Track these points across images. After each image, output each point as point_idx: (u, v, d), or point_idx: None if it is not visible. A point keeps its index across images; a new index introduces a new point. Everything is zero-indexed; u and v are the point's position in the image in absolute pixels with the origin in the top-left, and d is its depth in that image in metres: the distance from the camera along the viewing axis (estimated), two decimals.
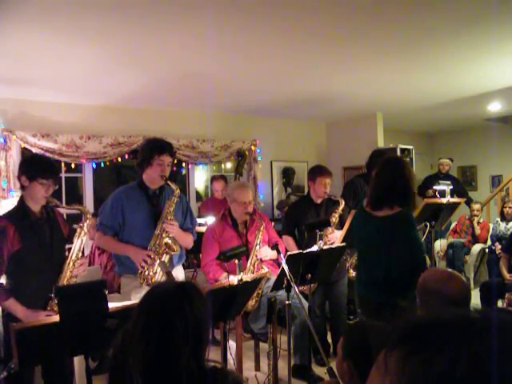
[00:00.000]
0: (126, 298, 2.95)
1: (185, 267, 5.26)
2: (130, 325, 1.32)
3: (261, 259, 3.54)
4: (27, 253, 2.57)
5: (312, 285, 3.54)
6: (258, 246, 3.47)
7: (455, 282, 1.79)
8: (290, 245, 3.95)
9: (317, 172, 4.00)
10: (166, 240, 2.95)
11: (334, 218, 3.90)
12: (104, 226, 3.04)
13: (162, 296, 1.37)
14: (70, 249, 2.76)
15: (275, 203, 6.60)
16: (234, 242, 3.45)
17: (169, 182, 3.03)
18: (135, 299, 2.92)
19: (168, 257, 3.00)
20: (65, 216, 4.60)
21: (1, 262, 2.54)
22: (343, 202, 3.93)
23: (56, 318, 1.96)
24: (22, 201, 2.66)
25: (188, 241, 3.21)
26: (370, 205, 2.77)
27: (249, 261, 3.40)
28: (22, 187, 2.65)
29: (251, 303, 3.33)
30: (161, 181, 3.05)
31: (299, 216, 3.97)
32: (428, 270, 1.94)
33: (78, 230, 2.76)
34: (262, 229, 3.50)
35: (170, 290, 1.39)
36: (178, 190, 3.06)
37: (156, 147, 3.06)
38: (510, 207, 6.45)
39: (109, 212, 3.03)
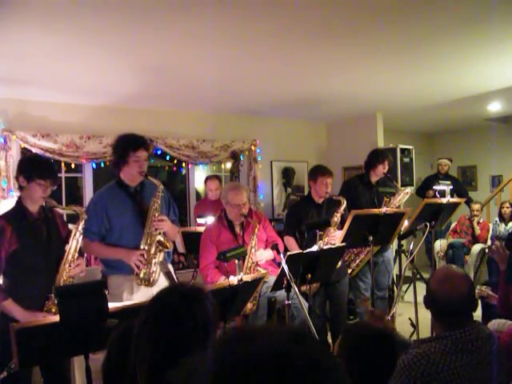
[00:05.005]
0: (117, 300, 2.87)
1: (185, 267, 5.28)
2: (137, 328, 1.30)
3: (257, 262, 3.53)
4: (24, 253, 2.54)
5: (314, 285, 3.54)
6: (253, 249, 3.45)
7: (451, 286, 1.71)
8: (291, 245, 3.94)
9: (318, 172, 4.01)
10: (159, 238, 2.89)
11: (336, 218, 3.89)
12: (90, 232, 2.91)
13: (171, 299, 1.36)
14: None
15: (275, 203, 6.60)
16: (231, 244, 3.40)
17: (150, 178, 2.94)
18: (128, 300, 2.85)
19: (163, 255, 2.94)
20: (64, 216, 4.63)
21: None
22: (345, 202, 3.93)
23: (56, 318, 1.96)
24: (19, 201, 2.63)
25: (176, 233, 3.16)
26: None
27: (245, 264, 3.37)
28: (20, 187, 2.62)
29: (249, 306, 3.31)
30: (140, 177, 2.96)
31: (300, 216, 3.97)
32: (441, 266, 1.87)
33: (74, 230, 2.71)
34: (256, 231, 3.48)
35: (180, 293, 1.38)
36: (162, 185, 2.97)
37: (130, 144, 2.96)
38: (507, 207, 6.46)
39: (93, 218, 2.90)
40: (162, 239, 2.90)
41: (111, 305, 2.07)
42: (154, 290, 2.76)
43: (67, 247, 2.70)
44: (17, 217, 2.59)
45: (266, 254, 3.55)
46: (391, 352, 1.69)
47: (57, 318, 1.94)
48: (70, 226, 2.88)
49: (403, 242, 4.64)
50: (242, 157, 6.14)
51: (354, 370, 1.66)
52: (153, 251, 2.89)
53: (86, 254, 4.57)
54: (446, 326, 1.72)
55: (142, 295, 2.83)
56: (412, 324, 4.10)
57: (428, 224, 3.80)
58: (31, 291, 2.56)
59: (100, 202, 2.98)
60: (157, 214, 2.91)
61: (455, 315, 1.72)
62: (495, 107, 6.27)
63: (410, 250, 3.73)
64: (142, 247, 2.87)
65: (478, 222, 6.68)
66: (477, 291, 3.56)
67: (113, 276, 3.01)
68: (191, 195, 6.11)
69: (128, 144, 2.97)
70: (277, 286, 2.91)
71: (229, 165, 6.14)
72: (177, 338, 1.28)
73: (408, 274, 4.26)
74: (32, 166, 2.64)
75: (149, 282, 2.87)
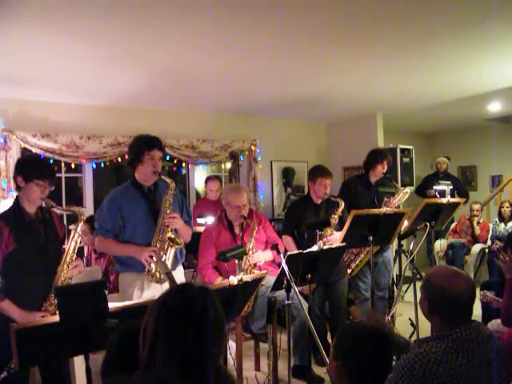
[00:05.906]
0: (127, 297, 2.94)
1: (185, 267, 5.27)
2: (151, 329, 1.28)
3: (255, 264, 3.53)
4: (21, 253, 2.52)
5: (311, 284, 3.54)
6: (250, 252, 3.45)
7: (460, 281, 1.76)
8: (289, 245, 3.95)
9: (317, 172, 4.02)
10: (169, 234, 2.93)
11: (334, 220, 3.89)
12: (104, 229, 2.99)
13: (185, 299, 1.34)
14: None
15: (275, 203, 6.60)
16: (231, 245, 3.42)
17: (163, 177, 3.00)
18: (138, 297, 2.91)
19: (174, 251, 2.98)
20: (64, 217, 4.62)
21: None
22: (343, 204, 3.94)
23: (56, 318, 1.96)
24: (17, 201, 2.62)
25: (189, 233, 3.18)
26: None
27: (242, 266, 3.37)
28: (18, 188, 2.61)
29: (245, 308, 3.30)
30: (154, 177, 3.02)
31: (299, 216, 3.98)
32: (435, 266, 1.89)
33: (72, 232, 2.72)
34: (254, 233, 3.48)
35: (193, 293, 1.37)
36: (174, 183, 3.02)
37: (145, 143, 3.03)
38: (506, 207, 6.46)
39: (107, 215, 2.99)
40: (172, 236, 2.93)
41: (111, 305, 2.07)
42: (163, 288, 2.80)
43: (66, 248, 2.70)
44: (14, 217, 2.57)
45: (264, 256, 3.56)
46: (387, 349, 1.69)
47: (56, 318, 1.94)
48: (70, 227, 2.89)
49: (403, 242, 4.64)
50: (241, 157, 6.14)
51: (351, 370, 1.66)
52: (164, 247, 2.92)
53: (85, 255, 4.58)
54: (449, 324, 1.72)
55: (151, 293, 2.88)
56: (412, 324, 4.10)
57: (428, 224, 3.80)
58: (29, 292, 2.55)
59: (114, 200, 3.03)
60: (168, 211, 2.96)
61: (460, 311, 1.74)
62: (495, 107, 6.27)
63: (409, 250, 3.73)
64: (153, 243, 2.91)
65: (478, 222, 6.68)
66: (479, 296, 3.56)
67: (125, 273, 3.06)
68: (191, 195, 6.11)
69: (143, 143, 3.04)
70: (277, 285, 2.91)
71: (229, 165, 6.14)
72: (198, 334, 1.27)
73: (408, 274, 4.26)
74: (30, 167, 2.63)
75: (160, 279, 2.90)
